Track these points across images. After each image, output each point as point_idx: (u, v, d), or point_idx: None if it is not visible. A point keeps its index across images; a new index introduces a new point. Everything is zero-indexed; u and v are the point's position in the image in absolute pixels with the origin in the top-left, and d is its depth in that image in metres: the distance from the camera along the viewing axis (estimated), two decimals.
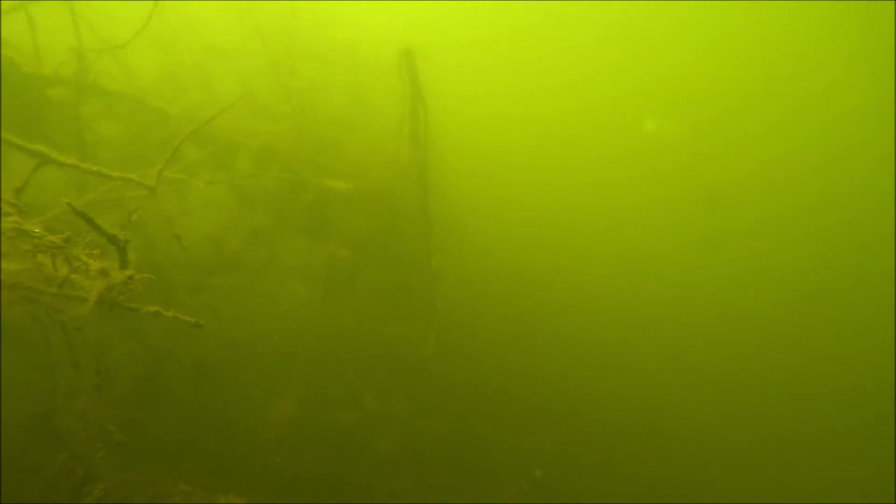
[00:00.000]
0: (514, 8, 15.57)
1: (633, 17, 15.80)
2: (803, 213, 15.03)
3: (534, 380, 6.25)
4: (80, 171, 2.50)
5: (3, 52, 3.96)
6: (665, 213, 14.17)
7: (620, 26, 16.18)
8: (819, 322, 11.47)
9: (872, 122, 15.23)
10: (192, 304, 4.83)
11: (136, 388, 3.78)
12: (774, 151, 16.07)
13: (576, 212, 12.11)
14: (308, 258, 6.11)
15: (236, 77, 6.58)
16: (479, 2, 15.27)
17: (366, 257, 6.45)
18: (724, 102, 16.44)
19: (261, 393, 4.50)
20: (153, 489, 2.57)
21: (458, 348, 5.50)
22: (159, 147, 5.35)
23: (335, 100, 6.99)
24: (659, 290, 11.01)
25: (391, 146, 5.95)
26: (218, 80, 6.47)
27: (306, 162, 5.89)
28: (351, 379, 5.58)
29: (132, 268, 2.47)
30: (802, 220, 14.94)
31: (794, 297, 11.99)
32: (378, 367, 5.34)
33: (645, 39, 16.33)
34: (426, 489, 4.60)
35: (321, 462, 4.30)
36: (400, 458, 4.81)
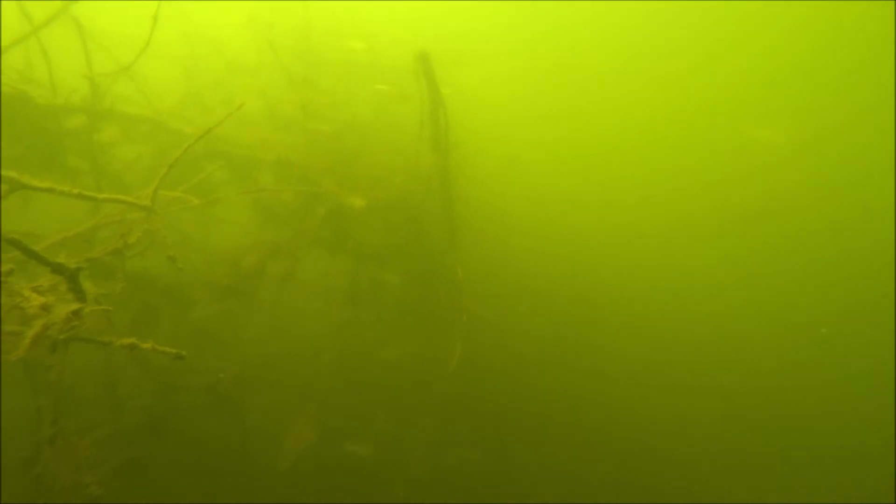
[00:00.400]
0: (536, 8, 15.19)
1: (636, 19, 15.50)
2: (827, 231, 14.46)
3: (570, 399, 5.74)
4: (58, 194, 2.32)
5: (17, 86, 3.96)
6: (696, 223, 13.90)
7: (640, 29, 15.86)
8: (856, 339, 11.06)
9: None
10: (208, 325, 4.69)
11: (143, 421, 3.63)
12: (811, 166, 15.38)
13: (609, 221, 11.63)
14: (328, 273, 5.90)
15: (257, 92, 6.53)
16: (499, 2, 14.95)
17: (389, 271, 6.19)
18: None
19: (277, 420, 4.27)
20: None
21: (486, 366, 5.11)
22: (183, 168, 5.31)
23: (354, 109, 6.81)
24: (693, 303, 10.76)
25: (412, 154, 5.66)
26: (238, 97, 6.43)
27: (325, 173, 5.71)
28: (373, 402, 5.29)
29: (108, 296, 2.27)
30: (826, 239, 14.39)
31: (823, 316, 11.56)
32: (402, 388, 5.01)
33: (654, 40, 15.92)
34: None
35: (341, 494, 4.01)
36: (427, 487, 4.45)
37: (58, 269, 1.70)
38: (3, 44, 3.71)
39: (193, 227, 5.78)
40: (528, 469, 5.10)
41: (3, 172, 2.15)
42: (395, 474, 4.18)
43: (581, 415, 5.90)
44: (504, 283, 6.59)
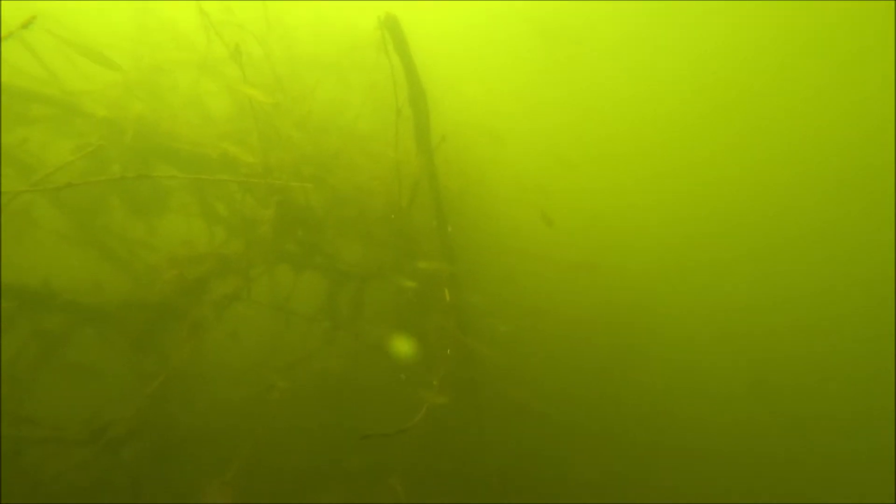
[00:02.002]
0: None
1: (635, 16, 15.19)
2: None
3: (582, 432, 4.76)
4: None
5: None
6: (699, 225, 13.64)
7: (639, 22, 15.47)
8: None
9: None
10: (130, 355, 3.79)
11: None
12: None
13: (624, 219, 10.89)
14: (301, 294, 5.01)
15: (223, 89, 5.79)
16: None
17: (372, 291, 5.27)
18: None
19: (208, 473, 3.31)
20: None
21: (473, 416, 4.12)
22: (128, 164, 4.53)
23: (329, 105, 6.05)
24: (708, 304, 10.56)
25: (391, 150, 4.78)
26: (201, 92, 5.69)
27: (295, 178, 4.87)
28: (351, 448, 4.32)
29: None
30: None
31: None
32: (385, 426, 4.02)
33: (658, 33, 15.60)
34: None
35: None
36: None
37: None
38: None
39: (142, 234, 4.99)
40: None
41: None
42: None
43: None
44: (505, 305, 5.63)
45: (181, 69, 5.51)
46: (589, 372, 6.91)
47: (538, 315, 8.11)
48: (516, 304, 7.68)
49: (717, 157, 15.39)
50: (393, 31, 3.76)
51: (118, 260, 4.64)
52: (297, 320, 4.53)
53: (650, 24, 15.50)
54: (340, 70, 6.61)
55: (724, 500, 6.47)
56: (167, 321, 3.80)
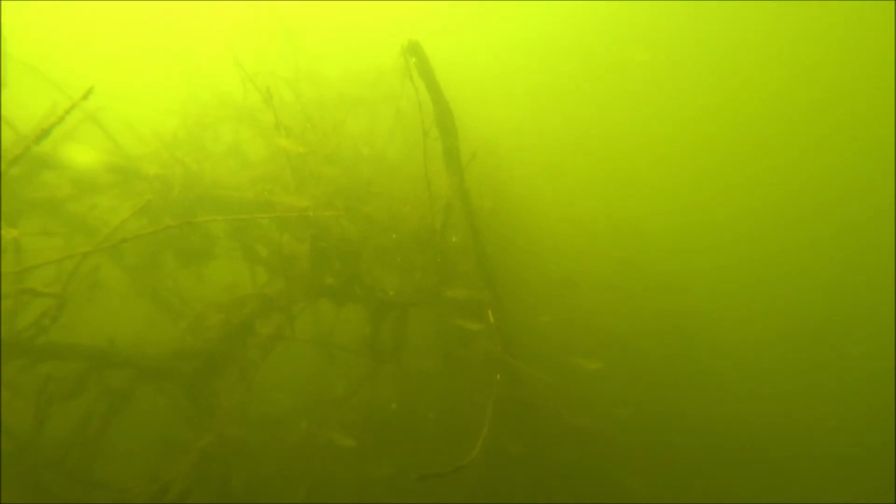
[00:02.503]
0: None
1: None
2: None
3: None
4: None
5: None
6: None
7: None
8: None
9: None
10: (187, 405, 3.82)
11: None
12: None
13: (656, 226, 10.79)
14: (343, 327, 4.97)
15: (259, 135, 5.98)
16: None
17: (406, 322, 5.16)
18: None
19: None
20: None
21: (532, 443, 3.87)
22: (175, 214, 4.70)
23: (360, 139, 6.10)
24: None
25: (421, 174, 4.73)
26: (241, 140, 5.90)
27: (331, 213, 4.90)
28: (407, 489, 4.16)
29: None
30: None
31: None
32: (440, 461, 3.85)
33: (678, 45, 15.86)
34: None
35: None
36: None
37: None
38: None
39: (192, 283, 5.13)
40: None
41: None
42: None
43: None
44: (551, 323, 5.39)
45: (223, 122, 5.74)
46: (641, 385, 6.58)
47: (585, 330, 7.80)
48: (563, 320, 7.42)
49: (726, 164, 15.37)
50: (416, 56, 3.75)
51: (172, 310, 4.77)
52: (342, 354, 4.46)
53: (666, 40, 15.79)
54: (368, 102, 6.72)
55: (724, 499, 6.35)
56: (216, 367, 3.82)
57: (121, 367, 3.62)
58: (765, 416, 8.40)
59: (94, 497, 2.99)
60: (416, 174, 5.33)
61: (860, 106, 15.53)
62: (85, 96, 2.99)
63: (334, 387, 4.29)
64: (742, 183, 15.31)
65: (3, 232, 2.89)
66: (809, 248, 14.12)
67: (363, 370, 4.64)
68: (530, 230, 6.95)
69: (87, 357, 3.26)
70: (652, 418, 6.50)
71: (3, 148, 3.41)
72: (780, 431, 8.34)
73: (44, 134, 2.71)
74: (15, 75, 3.61)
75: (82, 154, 3.93)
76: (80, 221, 4.02)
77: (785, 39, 15.48)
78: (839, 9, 13.98)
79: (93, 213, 4.07)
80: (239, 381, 3.73)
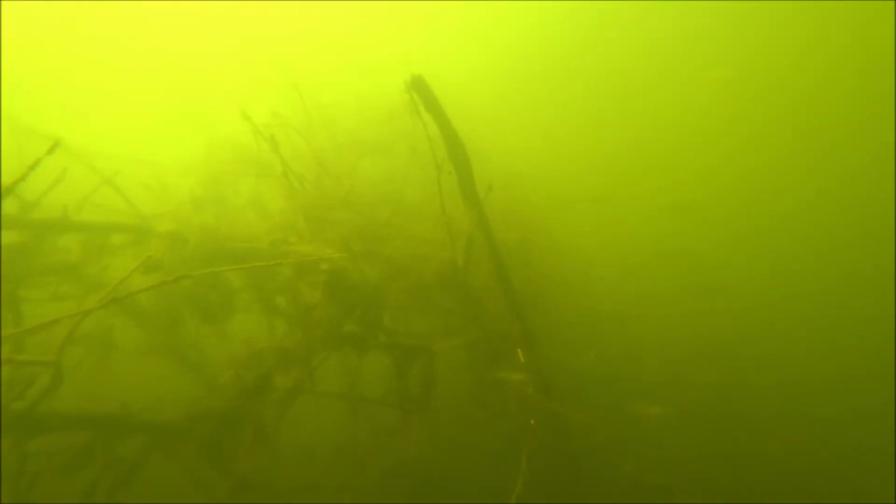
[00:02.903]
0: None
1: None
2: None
3: None
4: None
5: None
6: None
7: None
8: None
9: None
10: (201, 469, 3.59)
11: None
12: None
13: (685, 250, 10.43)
14: (367, 377, 4.70)
15: (275, 184, 5.99)
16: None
17: (441, 368, 4.85)
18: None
19: None
20: None
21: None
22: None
23: (370, 174, 6.03)
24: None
25: (437, 209, 4.54)
26: (258, 192, 5.92)
27: (340, 255, 4.74)
28: None
29: None
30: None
31: None
32: None
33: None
34: None
35: None
36: None
37: None
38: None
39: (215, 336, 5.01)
40: None
41: None
42: None
43: None
44: (598, 362, 4.96)
45: (239, 175, 5.78)
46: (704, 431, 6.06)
47: (637, 368, 7.28)
48: (611, 357, 6.91)
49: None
50: (420, 91, 3.63)
51: (193, 369, 4.64)
52: (366, 406, 4.17)
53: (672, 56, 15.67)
54: (383, 143, 6.70)
55: (724, 499, 6.18)
56: (232, 428, 3.60)
57: (132, 434, 3.44)
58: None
59: None
60: (436, 211, 5.16)
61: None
62: (50, 150, 2.99)
63: (359, 441, 3.97)
64: (798, 206, 15.08)
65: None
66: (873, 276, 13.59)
67: (390, 422, 4.32)
68: (568, 261, 6.63)
69: (94, 425, 3.11)
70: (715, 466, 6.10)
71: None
72: (771, 430, 8.16)
73: (7, 191, 2.67)
74: (33, 144, 3.69)
75: (95, 216, 3.95)
76: (94, 280, 3.99)
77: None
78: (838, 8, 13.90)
79: (105, 273, 4.04)
80: (254, 442, 3.48)
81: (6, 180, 2.75)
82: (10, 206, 3.67)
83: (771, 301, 11.81)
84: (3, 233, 3.30)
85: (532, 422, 3.50)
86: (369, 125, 6.75)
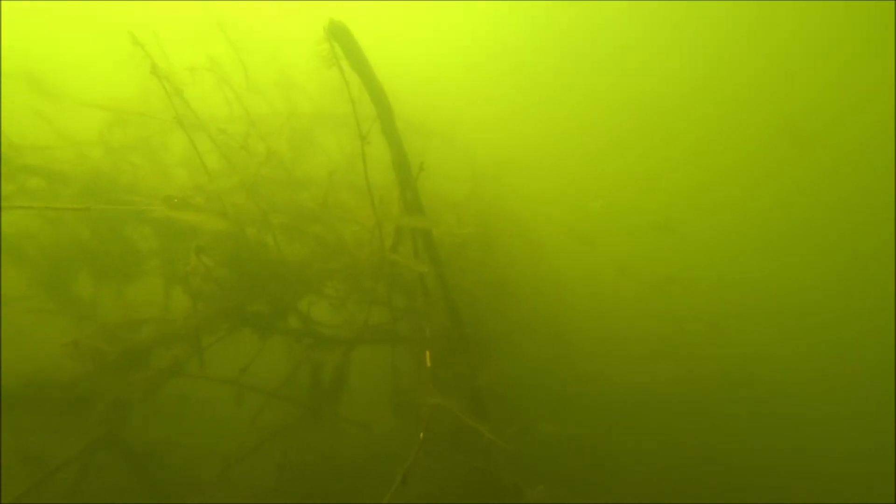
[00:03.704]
0: None
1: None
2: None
3: None
4: None
5: None
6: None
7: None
8: None
9: None
10: None
11: None
12: None
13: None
14: (266, 365, 4.20)
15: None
16: None
17: (358, 359, 4.35)
18: None
19: None
20: None
21: None
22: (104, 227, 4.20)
23: (326, 146, 5.54)
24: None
25: (375, 187, 4.02)
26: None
27: (263, 229, 4.25)
28: None
29: None
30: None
31: None
32: None
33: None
34: None
35: None
36: None
37: None
38: None
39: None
40: None
41: None
42: None
43: None
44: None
45: (172, 128, 5.29)
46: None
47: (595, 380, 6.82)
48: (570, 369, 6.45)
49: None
50: (341, 39, 3.12)
51: (73, 329, 4.17)
52: (255, 397, 3.68)
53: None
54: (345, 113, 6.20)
55: (724, 499, 6.16)
56: (81, 404, 3.12)
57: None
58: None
59: None
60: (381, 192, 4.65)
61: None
62: None
63: (236, 437, 3.48)
64: (798, 207, 14.93)
65: None
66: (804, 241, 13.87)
67: (284, 417, 3.83)
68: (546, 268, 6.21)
69: None
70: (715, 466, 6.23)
71: None
72: (770, 430, 8.11)
73: None
74: None
75: None
76: None
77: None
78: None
79: None
80: (101, 423, 3.01)
81: None
82: None
83: (770, 301, 11.68)
84: None
85: (421, 435, 3.00)
86: (334, 94, 6.25)
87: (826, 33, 14.67)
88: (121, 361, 3.36)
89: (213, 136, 3.99)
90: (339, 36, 3.11)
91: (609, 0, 15.43)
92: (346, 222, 4.44)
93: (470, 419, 3.42)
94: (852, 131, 15.44)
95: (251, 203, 4.06)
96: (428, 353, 3.41)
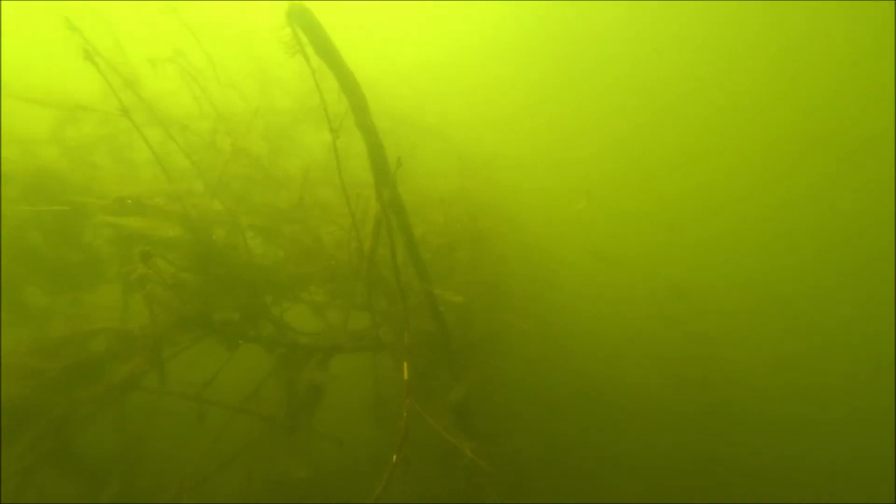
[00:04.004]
0: None
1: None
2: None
3: None
4: None
5: None
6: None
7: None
8: None
9: None
10: None
11: None
12: None
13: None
14: (233, 377, 3.91)
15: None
16: None
17: (338, 368, 4.06)
18: None
19: None
20: None
21: None
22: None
23: (308, 145, 5.26)
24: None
25: (352, 186, 3.73)
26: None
27: (232, 230, 3.96)
28: None
29: None
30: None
31: None
32: None
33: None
34: None
35: None
36: None
37: None
38: None
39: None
40: None
41: None
42: None
43: None
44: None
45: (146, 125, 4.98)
46: None
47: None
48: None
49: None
50: (304, 24, 2.83)
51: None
52: (218, 414, 3.39)
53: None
54: (319, 114, 5.92)
55: (723, 499, 6.18)
56: (20, 423, 2.82)
57: None
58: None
59: None
60: (354, 189, 4.36)
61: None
62: None
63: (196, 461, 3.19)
64: (796, 206, 14.69)
65: None
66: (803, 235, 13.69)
67: (252, 432, 3.54)
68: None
69: None
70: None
71: None
72: (770, 430, 7.99)
73: None
74: None
75: None
76: None
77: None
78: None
79: None
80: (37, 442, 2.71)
81: None
82: None
83: (770, 301, 11.62)
84: None
85: (395, 456, 2.70)
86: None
87: (825, 32, 14.59)
88: (63, 377, 3.07)
89: (171, 133, 3.70)
90: (301, 20, 2.81)
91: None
92: (324, 223, 4.14)
93: (452, 436, 3.14)
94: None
95: (217, 203, 3.77)
96: (406, 363, 3.12)
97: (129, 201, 3.27)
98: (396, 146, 7.74)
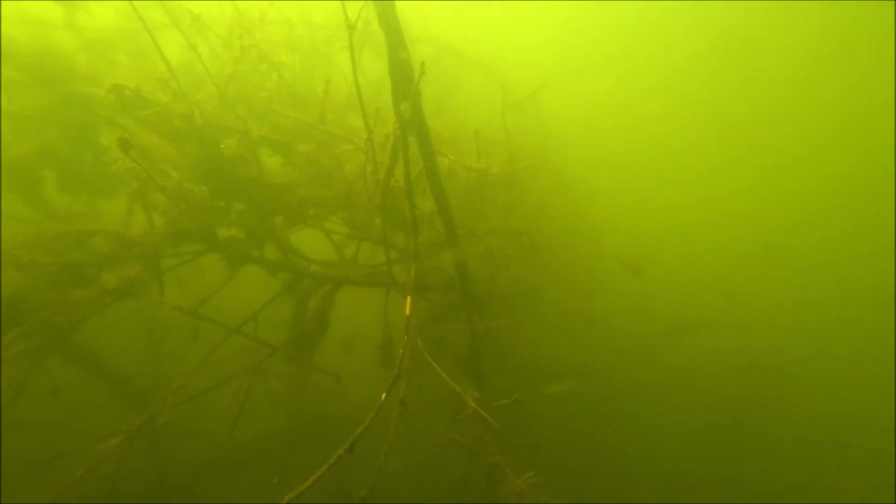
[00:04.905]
0: None
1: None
2: None
3: None
4: None
5: None
6: None
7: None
8: None
9: None
10: None
11: None
12: None
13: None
14: (236, 300, 3.72)
15: None
16: None
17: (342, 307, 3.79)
18: None
19: None
20: None
21: None
22: None
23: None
24: None
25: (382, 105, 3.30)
26: None
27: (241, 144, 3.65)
28: None
29: None
30: None
31: None
32: None
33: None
34: None
35: None
36: None
37: None
38: None
39: None
40: None
41: None
42: None
43: None
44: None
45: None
46: None
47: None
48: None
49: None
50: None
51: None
52: (214, 331, 3.20)
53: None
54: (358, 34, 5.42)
55: (723, 499, 6.08)
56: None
57: None
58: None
59: None
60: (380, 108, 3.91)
61: None
62: None
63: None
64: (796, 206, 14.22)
65: None
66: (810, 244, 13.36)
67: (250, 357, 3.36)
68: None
69: None
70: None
71: None
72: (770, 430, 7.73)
73: None
74: None
75: None
76: None
77: None
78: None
79: None
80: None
81: None
82: None
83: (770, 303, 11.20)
84: None
85: (383, 395, 2.41)
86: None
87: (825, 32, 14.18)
88: (60, 275, 2.93)
89: (184, 30, 3.36)
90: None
91: None
92: (346, 145, 3.76)
93: (456, 383, 2.81)
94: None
95: (227, 111, 3.45)
96: (409, 298, 2.78)
97: (128, 92, 2.99)
98: (438, 80, 7.13)
